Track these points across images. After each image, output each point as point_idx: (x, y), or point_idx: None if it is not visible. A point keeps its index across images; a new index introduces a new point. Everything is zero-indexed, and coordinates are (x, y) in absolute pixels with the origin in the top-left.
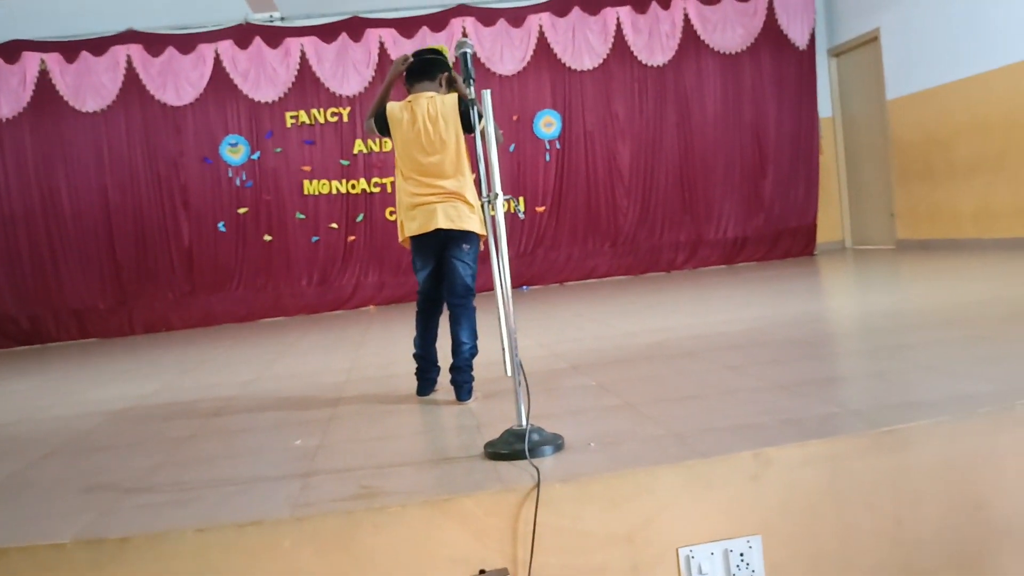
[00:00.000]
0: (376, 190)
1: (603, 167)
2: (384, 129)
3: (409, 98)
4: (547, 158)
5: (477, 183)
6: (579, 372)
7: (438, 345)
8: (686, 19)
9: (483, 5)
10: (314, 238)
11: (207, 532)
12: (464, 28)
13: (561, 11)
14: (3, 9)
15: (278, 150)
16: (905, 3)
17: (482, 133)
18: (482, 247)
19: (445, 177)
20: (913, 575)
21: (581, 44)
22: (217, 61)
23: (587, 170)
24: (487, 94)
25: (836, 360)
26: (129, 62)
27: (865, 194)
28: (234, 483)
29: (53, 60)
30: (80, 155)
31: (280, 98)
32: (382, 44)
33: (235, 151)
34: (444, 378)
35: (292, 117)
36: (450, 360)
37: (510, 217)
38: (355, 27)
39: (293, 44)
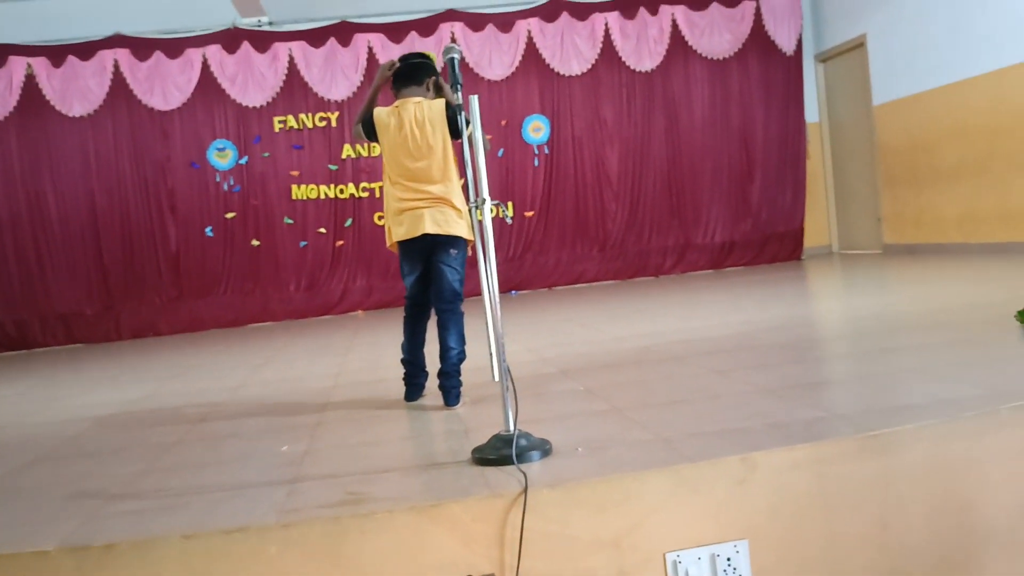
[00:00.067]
0: (364, 195)
1: (591, 172)
2: (372, 134)
3: (396, 103)
4: (536, 163)
5: (465, 188)
6: (567, 377)
7: (426, 350)
8: (674, 25)
9: (472, 10)
10: (302, 243)
11: (193, 539)
12: (453, 33)
13: (550, 16)
14: None
15: (266, 155)
16: (891, 10)
17: (469, 138)
18: (470, 252)
19: (432, 182)
20: None
21: (569, 49)
22: (205, 65)
23: (575, 175)
24: (474, 99)
25: (823, 364)
26: (116, 66)
27: (852, 199)
28: (220, 489)
29: (40, 64)
30: (67, 160)
31: (268, 103)
32: (371, 49)
33: (223, 156)
34: (432, 383)
35: (280, 122)
36: (438, 365)
37: (498, 222)
38: (344, 32)
39: (281, 49)
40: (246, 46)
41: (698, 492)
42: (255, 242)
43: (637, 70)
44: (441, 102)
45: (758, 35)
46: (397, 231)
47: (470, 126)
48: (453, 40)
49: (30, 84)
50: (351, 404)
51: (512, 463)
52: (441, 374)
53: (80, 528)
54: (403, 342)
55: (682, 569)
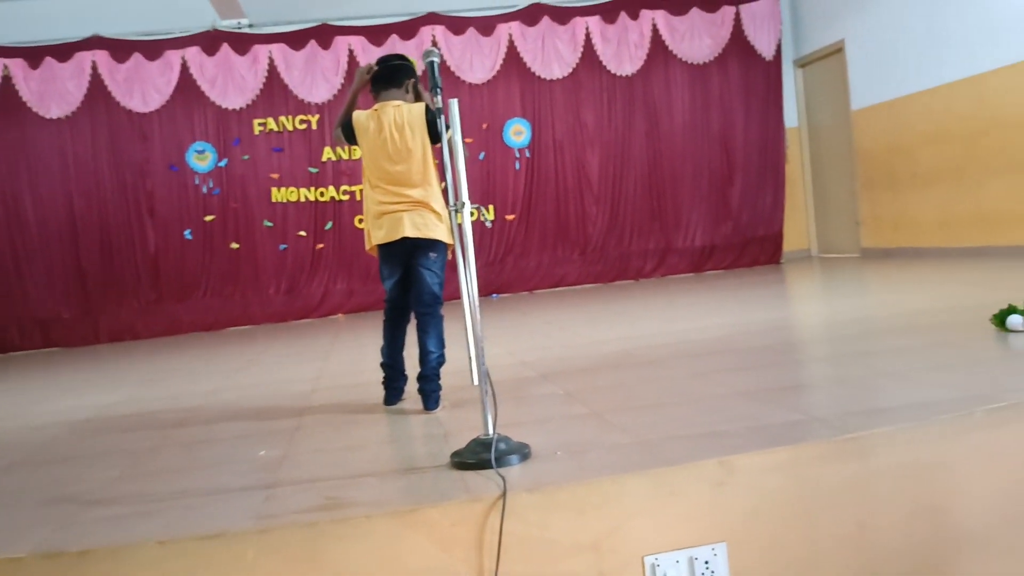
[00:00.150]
0: (345, 198)
1: (572, 175)
2: (351, 137)
3: (376, 106)
4: (517, 166)
5: (444, 192)
6: (547, 380)
7: (406, 354)
8: (654, 29)
9: (453, 14)
10: (282, 246)
11: (168, 544)
12: (434, 36)
13: (531, 20)
14: None
15: (246, 157)
16: (868, 16)
17: (449, 143)
18: (450, 256)
19: (412, 186)
20: None
21: (550, 53)
22: (184, 68)
23: (556, 178)
24: (454, 103)
25: (801, 367)
26: (95, 68)
27: (831, 203)
28: (197, 494)
29: (16, 66)
30: (44, 162)
31: (248, 105)
32: (351, 52)
33: (202, 158)
34: (412, 387)
35: (260, 124)
36: (418, 369)
37: (478, 226)
38: (324, 34)
39: (261, 51)
40: (226, 48)
41: (677, 495)
42: (234, 245)
43: (618, 74)
44: (421, 106)
45: (738, 40)
46: (376, 234)
47: (450, 130)
48: (434, 44)
49: (7, 85)
50: (330, 408)
51: (491, 467)
52: (421, 378)
53: (54, 534)
54: (383, 346)
55: (660, 572)
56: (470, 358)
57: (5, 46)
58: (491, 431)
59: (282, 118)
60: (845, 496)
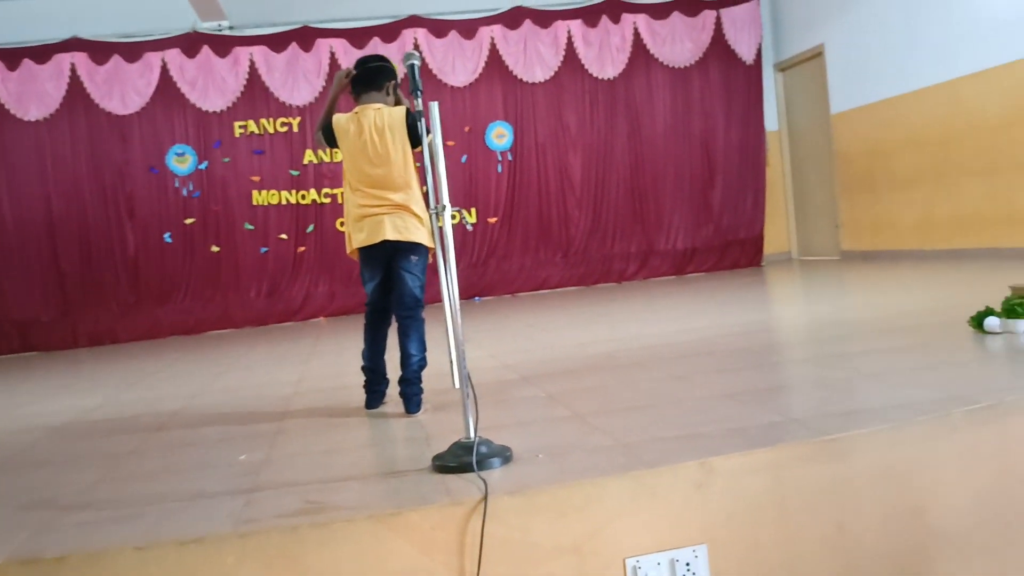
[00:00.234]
0: (327, 200)
1: (555, 178)
2: (332, 140)
3: (356, 109)
4: (499, 169)
5: (425, 195)
6: (529, 383)
7: (387, 357)
8: (636, 33)
9: (435, 16)
10: (263, 249)
11: (147, 550)
12: (415, 39)
13: (512, 23)
14: None
15: (226, 160)
16: (848, 21)
17: (429, 146)
18: (431, 259)
19: (392, 189)
20: None
21: (533, 56)
22: (164, 70)
23: (539, 181)
24: (435, 106)
25: (781, 369)
26: (73, 70)
27: (811, 206)
28: (176, 499)
29: None
30: (23, 164)
31: (228, 107)
32: (333, 54)
33: (182, 161)
34: (393, 390)
35: (241, 127)
36: (399, 372)
37: (460, 229)
38: (306, 37)
39: (242, 53)
40: (206, 50)
41: (657, 497)
42: (215, 248)
43: (600, 77)
44: (401, 109)
45: (719, 44)
46: (357, 237)
47: (431, 134)
48: (416, 47)
49: None
50: (311, 412)
51: (472, 470)
52: (402, 381)
53: (31, 539)
54: (364, 349)
55: (642, 574)
56: (451, 361)
57: None
58: (472, 434)
59: (263, 120)
60: (825, 497)
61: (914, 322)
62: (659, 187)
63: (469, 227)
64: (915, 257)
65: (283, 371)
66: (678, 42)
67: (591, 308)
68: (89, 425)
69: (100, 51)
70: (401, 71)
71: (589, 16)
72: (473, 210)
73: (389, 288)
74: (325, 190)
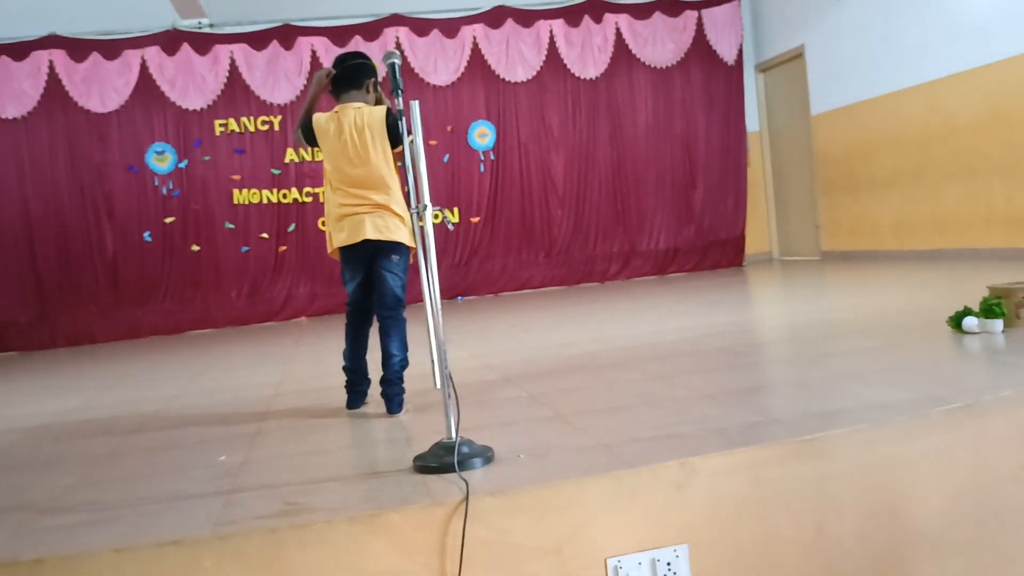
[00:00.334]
0: (308, 200)
1: (537, 178)
2: (312, 139)
3: (336, 108)
4: (481, 169)
5: (406, 195)
6: (511, 383)
7: (369, 357)
8: (618, 33)
9: (417, 15)
10: (244, 248)
11: (124, 552)
12: (397, 38)
13: (495, 23)
14: None
15: (207, 158)
16: (828, 22)
17: (410, 145)
18: (413, 259)
19: (373, 189)
20: None
21: (515, 56)
22: (143, 68)
23: (521, 181)
24: (415, 105)
25: (761, 369)
26: (52, 68)
27: (791, 206)
28: (154, 501)
29: None
30: None
31: (209, 106)
32: (314, 52)
33: (162, 159)
34: (375, 390)
35: (221, 125)
36: (381, 373)
37: (441, 228)
38: (286, 35)
39: (222, 51)
40: (186, 48)
41: (638, 497)
42: (195, 247)
43: (582, 77)
44: (381, 109)
45: (700, 45)
46: (338, 237)
47: (411, 135)
48: (397, 45)
49: None
50: (292, 413)
51: (454, 471)
52: (383, 381)
53: (8, 543)
54: (345, 349)
55: (623, 574)
56: (433, 361)
57: None
58: (454, 435)
59: (244, 119)
60: (804, 497)
61: (893, 322)
62: (641, 187)
63: (450, 227)
64: (894, 257)
65: (264, 372)
66: (660, 42)
67: (573, 308)
68: (67, 427)
69: (79, 49)
70: (381, 70)
71: (571, 16)
72: (456, 210)
73: (370, 288)
74: (306, 189)
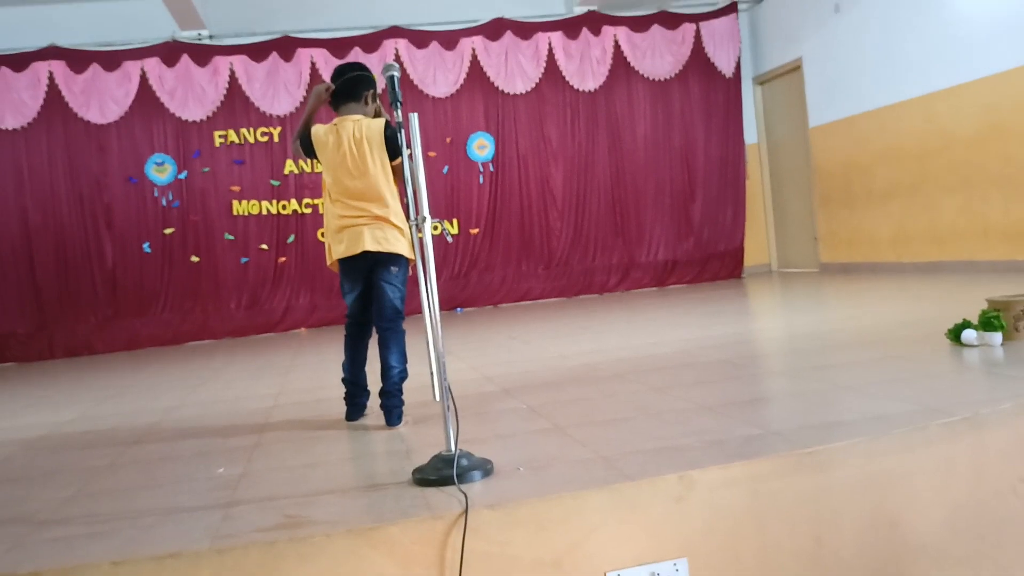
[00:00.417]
0: (308, 211)
1: (536, 190)
2: (311, 151)
3: (335, 121)
4: (481, 180)
5: (405, 207)
6: (510, 395)
7: (368, 369)
8: (616, 46)
9: (416, 27)
10: (243, 259)
11: (122, 565)
12: (396, 50)
13: (494, 35)
14: None
15: (206, 170)
16: (826, 35)
17: (410, 157)
18: (412, 271)
19: (372, 201)
20: None
21: (514, 68)
22: (143, 79)
23: (520, 192)
24: (414, 117)
25: (759, 381)
26: (51, 79)
27: (790, 219)
28: (152, 514)
29: None
30: None
31: (208, 117)
32: (313, 64)
33: (161, 170)
34: (374, 402)
35: (221, 136)
36: (380, 384)
37: (441, 240)
38: (286, 46)
39: (222, 62)
40: (186, 59)
41: (638, 510)
42: (194, 258)
43: (580, 89)
44: (380, 122)
45: (698, 57)
46: (337, 249)
47: (411, 149)
48: (396, 57)
49: None
50: (291, 425)
51: (453, 484)
52: (382, 393)
53: (5, 555)
54: (344, 361)
55: None
56: (432, 373)
57: None
58: (453, 447)
59: (243, 130)
60: (802, 510)
61: (891, 334)
62: (640, 199)
63: (449, 239)
64: (892, 270)
65: (263, 383)
66: (658, 55)
67: (572, 320)
68: (65, 438)
69: (78, 60)
70: (380, 82)
71: (570, 28)
72: (455, 221)
73: (369, 300)
74: (306, 200)
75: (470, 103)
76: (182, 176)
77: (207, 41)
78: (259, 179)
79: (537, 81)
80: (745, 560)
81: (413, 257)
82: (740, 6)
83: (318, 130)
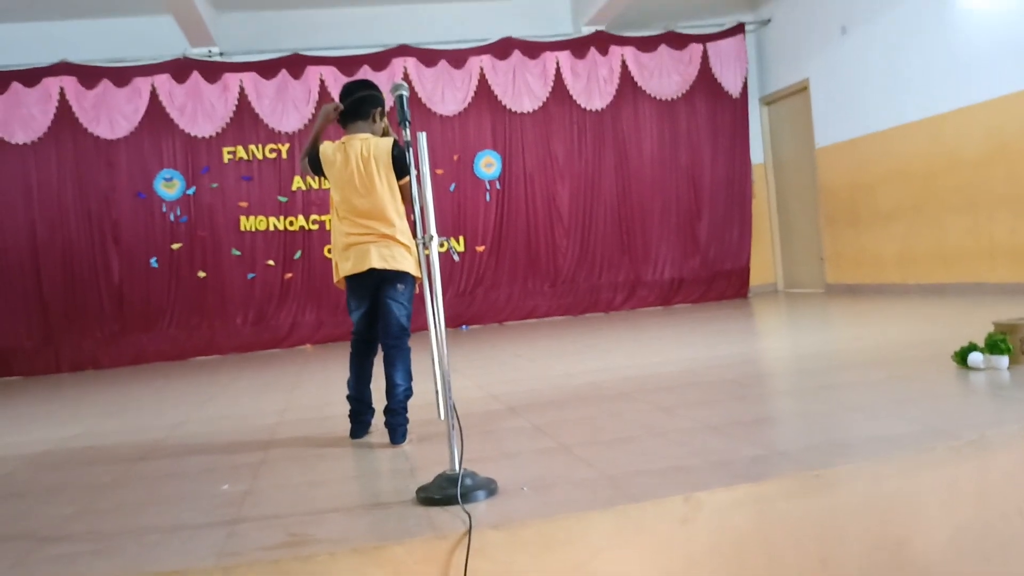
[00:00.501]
0: (315, 227)
1: (543, 208)
2: (318, 169)
3: (343, 139)
4: (487, 198)
5: (412, 225)
6: (515, 414)
7: (373, 387)
8: (623, 65)
9: (425, 46)
10: (250, 275)
11: None
12: (405, 68)
13: (502, 54)
14: None
15: (214, 185)
16: (832, 56)
17: (417, 178)
18: (418, 290)
19: (379, 219)
20: None
21: (521, 86)
22: (153, 95)
23: (527, 210)
24: (423, 137)
25: (765, 401)
26: (62, 94)
27: (796, 238)
28: (157, 531)
29: None
30: (7, 188)
31: (217, 133)
32: (322, 81)
33: (170, 186)
34: (379, 420)
35: (229, 152)
36: (385, 402)
37: (447, 258)
38: (295, 64)
39: (232, 79)
40: (196, 76)
41: (643, 532)
42: (201, 274)
43: (587, 108)
44: (388, 141)
45: (705, 77)
46: (344, 266)
47: (419, 170)
48: (405, 76)
49: None
50: (296, 442)
51: (457, 503)
52: (387, 411)
53: (8, 572)
54: (349, 378)
55: None
56: (437, 392)
57: None
58: (457, 466)
59: (252, 146)
60: (808, 532)
61: (898, 355)
62: (646, 218)
63: (456, 257)
64: (899, 291)
65: (268, 399)
66: (665, 75)
67: (578, 338)
68: (70, 454)
69: (89, 75)
70: (389, 100)
71: (577, 48)
72: (461, 238)
73: (375, 317)
74: (313, 217)
75: (478, 121)
76: (190, 192)
77: (217, 58)
78: (267, 195)
79: (544, 100)
80: None
81: (419, 275)
82: (747, 27)
83: (326, 148)
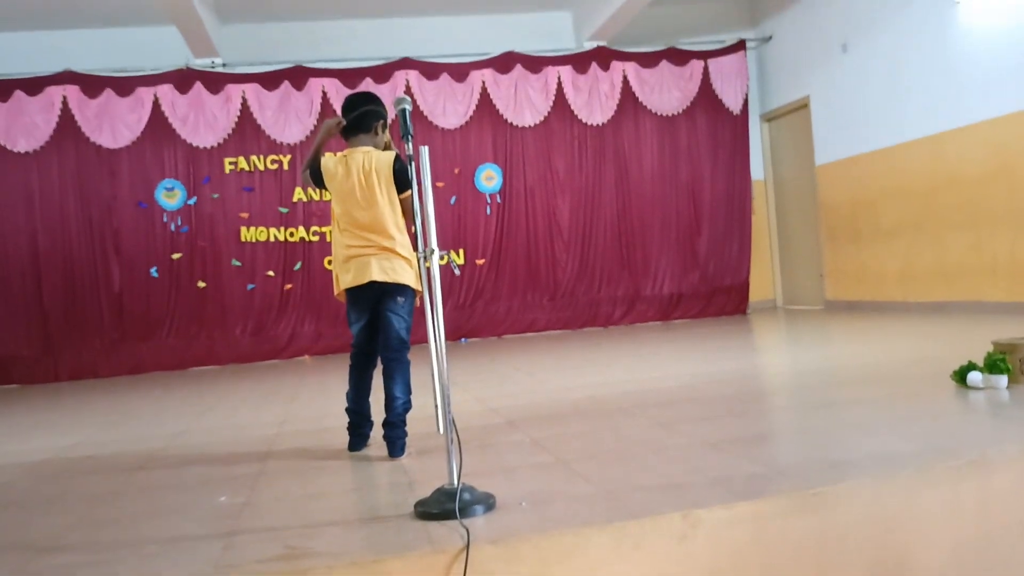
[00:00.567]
0: (315, 239)
1: (543, 221)
2: (320, 181)
3: (345, 152)
4: (488, 211)
5: (413, 238)
6: (514, 428)
7: (372, 399)
8: (625, 81)
9: (427, 59)
10: (250, 286)
11: None
12: (407, 81)
13: (503, 68)
14: None
15: (215, 196)
16: (833, 74)
17: (419, 190)
18: (418, 303)
19: (380, 232)
20: None
21: (523, 101)
22: (156, 105)
23: (527, 224)
24: (424, 151)
25: (764, 417)
26: (65, 103)
27: (796, 255)
28: (154, 542)
29: None
30: (9, 197)
31: (219, 144)
32: (325, 94)
33: (171, 196)
34: (377, 433)
35: (231, 163)
36: (384, 415)
37: (448, 271)
38: (298, 76)
39: (234, 90)
40: (198, 87)
41: (641, 549)
42: (201, 284)
43: (588, 123)
44: (390, 154)
45: (706, 93)
46: (344, 278)
47: (420, 183)
48: (407, 89)
49: None
50: (294, 454)
51: (455, 518)
52: (386, 424)
53: None
54: (348, 391)
55: None
56: (436, 405)
57: None
58: (456, 481)
59: (253, 157)
60: (808, 550)
61: (898, 373)
62: (646, 233)
63: (456, 271)
64: (899, 308)
65: (267, 411)
66: (666, 90)
67: (577, 352)
68: (68, 464)
69: (92, 85)
70: (391, 114)
71: (579, 63)
72: (461, 251)
73: (375, 330)
74: (314, 228)
75: (479, 135)
76: (191, 202)
77: (220, 69)
78: (268, 206)
79: (546, 114)
80: None
81: (420, 288)
82: (748, 44)
83: (327, 160)
